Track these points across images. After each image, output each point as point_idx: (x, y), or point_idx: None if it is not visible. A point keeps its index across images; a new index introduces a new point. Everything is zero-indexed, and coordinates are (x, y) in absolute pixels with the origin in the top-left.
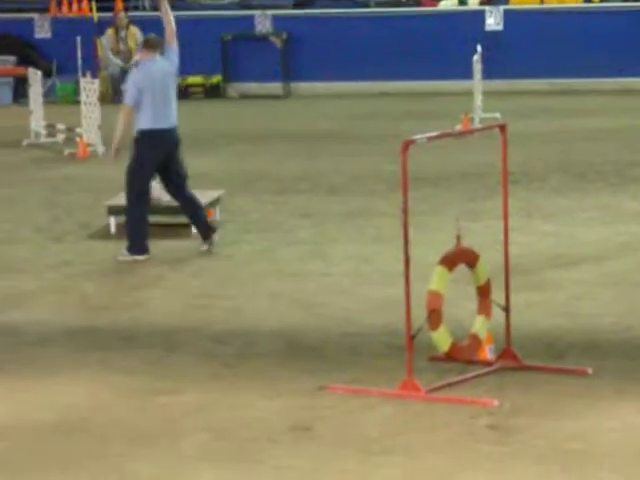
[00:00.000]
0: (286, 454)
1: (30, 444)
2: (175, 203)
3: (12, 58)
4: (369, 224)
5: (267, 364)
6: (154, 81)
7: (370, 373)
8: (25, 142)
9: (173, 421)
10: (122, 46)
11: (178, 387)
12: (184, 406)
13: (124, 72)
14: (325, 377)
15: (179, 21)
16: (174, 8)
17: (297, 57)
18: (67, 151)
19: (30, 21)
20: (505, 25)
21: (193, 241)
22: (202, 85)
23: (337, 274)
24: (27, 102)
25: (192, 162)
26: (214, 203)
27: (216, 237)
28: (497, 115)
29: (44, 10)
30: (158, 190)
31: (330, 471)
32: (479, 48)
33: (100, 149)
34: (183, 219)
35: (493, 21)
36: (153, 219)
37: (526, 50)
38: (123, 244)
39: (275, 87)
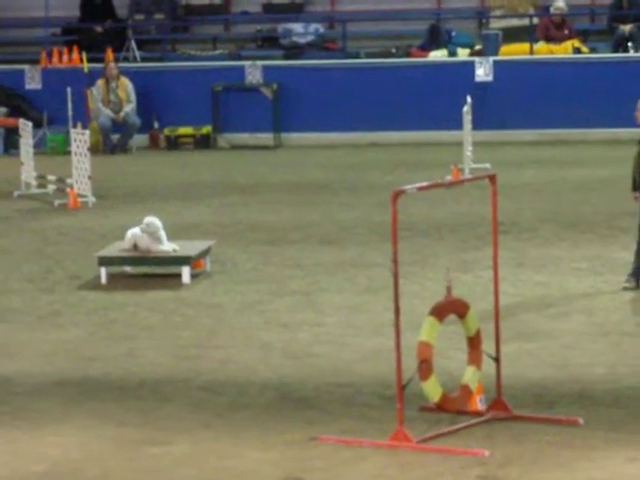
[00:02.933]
0: None
1: None
2: (163, 253)
3: (2, 109)
4: (360, 274)
5: (258, 414)
6: None
7: (361, 423)
8: (16, 193)
9: (164, 472)
10: (112, 97)
11: (169, 438)
12: (175, 457)
13: (115, 123)
14: (316, 428)
15: (170, 72)
16: (165, 59)
17: (287, 108)
18: (58, 202)
19: (21, 72)
20: (495, 76)
21: (183, 291)
22: (192, 136)
23: (328, 324)
24: (18, 153)
25: (182, 213)
26: (204, 253)
27: None
28: (487, 165)
29: (35, 61)
30: (146, 240)
31: None
32: (469, 99)
33: (91, 200)
34: (172, 269)
35: (483, 72)
36: (142, 269)
37: (516, 101)
38: (115, 295)
39: (266, 137)
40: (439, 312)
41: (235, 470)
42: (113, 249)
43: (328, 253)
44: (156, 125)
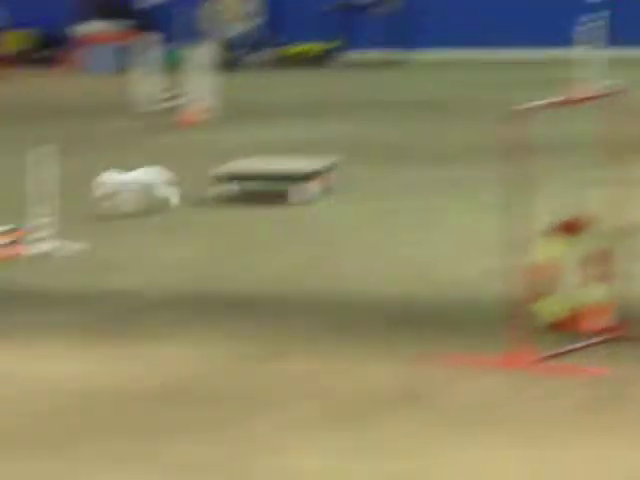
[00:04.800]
0: (395, 421)
1: (136, 410)
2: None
3: (125, 23)
4: (476, 193)
5: (375, 331)
6: None
7: (477, 342)
8: (136, 109)
9: (281, 387)
10: (235, 11)
11: (287, 353)
12: (293, 372)
13: (238, 37)
14: (433, 345)
15: None
16: None
17: (414, 23)
18: (177, 118)
19: None
20: None
21: (302, 208)
22: (318, 51)
23: (444, 243)
24: (139, 69)
25: (305, 130)
26: (325, 170)
27: None
28: (614, 82)
29: None
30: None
31: (438, 438)
32: (596, 15)
33: (211, 116)
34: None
35: None
36: (260, 186)
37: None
38: (232, 211)
39: (390, 54)
40: (562, 229)
41: (352, 386)
42: (232, 166)
43: (444, 172)
44: (281, 40)
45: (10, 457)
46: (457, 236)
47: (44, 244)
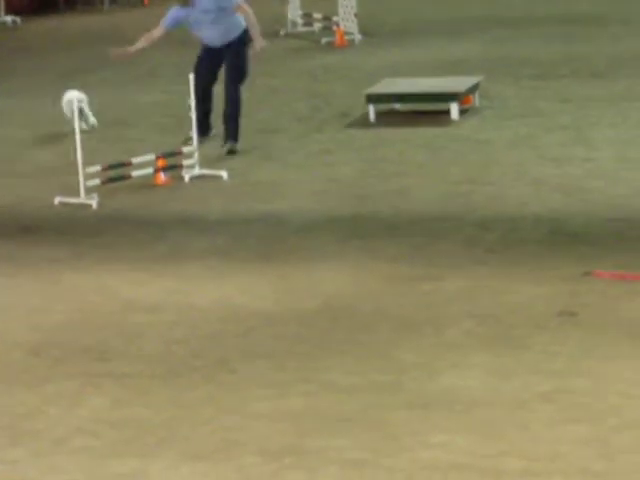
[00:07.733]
0: (552, 340)
1: (295, 330)
2: (434, 90)
3: None
4: (632, 107)
5: (531, 250)
6: None
7: (636, 258)
8: (282, 32)
9: (437, 308)
10: None
11: (441, 274)
12: (448, 293)
13: None
14: (590, 263)
15: None
16: None
17: None
18: (324, 40)
19: None
20: None
21: (452, 127)
22: None
23: (600, 159)
24: None
25: (449, 48)
26: (472, 89)
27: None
28: None
29: None
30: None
31: (597, 356)
32: None
33: (357, 37)
34: (441, 106)
35: None
36: (410, 106)
37: None
38: (384, 132)
39: None
40: None
41: (509, 305)
42: (381, 86)
43: (598, 87)
44: None
45: (170, 384)
46: (612, 152)
47: (193, 170)
